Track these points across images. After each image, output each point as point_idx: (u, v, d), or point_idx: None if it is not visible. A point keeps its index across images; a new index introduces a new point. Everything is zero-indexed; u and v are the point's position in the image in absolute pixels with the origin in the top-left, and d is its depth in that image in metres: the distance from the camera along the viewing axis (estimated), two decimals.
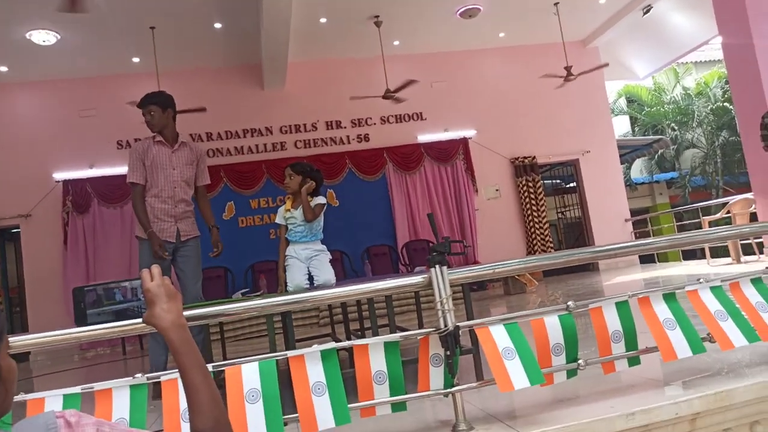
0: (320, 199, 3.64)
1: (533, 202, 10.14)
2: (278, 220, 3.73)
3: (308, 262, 3.58)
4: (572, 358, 2.14)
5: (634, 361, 2.21)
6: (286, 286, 3.53)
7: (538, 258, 2.26)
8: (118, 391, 1.72)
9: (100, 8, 6.99)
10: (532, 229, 10.06)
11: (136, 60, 8.67)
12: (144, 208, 3.72)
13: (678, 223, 10.95)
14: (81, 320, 0.88)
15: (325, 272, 3.53)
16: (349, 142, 9.75)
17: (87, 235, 8.65)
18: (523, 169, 10.21)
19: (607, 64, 9.46)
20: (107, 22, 7.41)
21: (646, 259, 10.58)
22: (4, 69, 8.37)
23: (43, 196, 8.67)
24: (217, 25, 8.04)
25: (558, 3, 8.87)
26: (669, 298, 2.20)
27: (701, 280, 2.32)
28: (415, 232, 9.60)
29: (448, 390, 2.03)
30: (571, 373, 2.15)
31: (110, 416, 1.70)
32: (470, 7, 8.58)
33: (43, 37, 7.51)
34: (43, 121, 8.87)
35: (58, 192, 8.72)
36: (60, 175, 8.75)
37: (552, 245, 10.21)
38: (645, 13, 9.44)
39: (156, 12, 7.38)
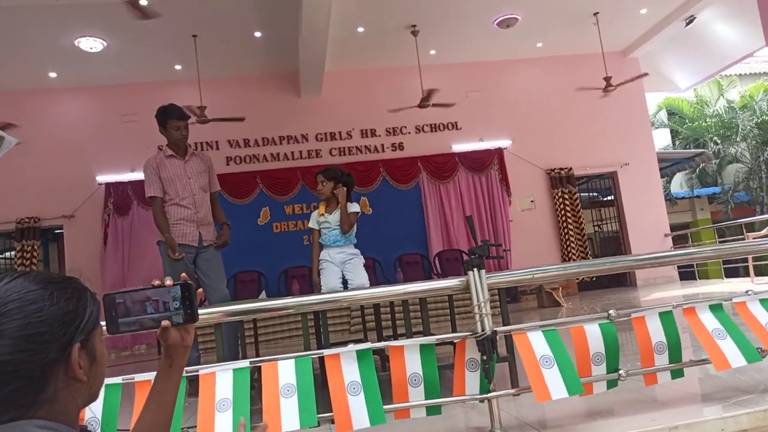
0: (354, 207, 3.66)
1: (569, 214, 9.97)
2: (311, 224, 3.77)
3: (342, 266, 3.59)
4: (613, 368, 2.08)
5: (677, 374, 2.14)
6: (320, 289, 3.55)
7: (579, 264, 2.21)
8: None
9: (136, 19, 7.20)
10: (568, 242, 9.88)
11: (178, 67, 8.89)
12: (163, 217, 3.89)
13: (720, 240, 10.62)
14: (113, 328, 0.90)
15: (359, 276, 3.55)
16: (383, 151, 9.78)
17: (125, 236, 8.88)
18: (559, 180, 10.06)
19: (646, 74, 9.27)
20: (152, 30, 7.61)
21: (686, 276, 10.28)
22: (53, 75, 8.68)
23: (86, 197, 8.93)
24: (257, 34, 8.19)
25: (598, 13, 8.75)
26: (716, 309, 2.12)
27: (749, 292, 2.23)
28: (448, 242, 9.54)
29: (485, 395, 1.99)
30: (611, 384, 2.09)
31: None
32: (508, 16, 8.54)
33: (90, 44, 7.78)
34: (88, 125, 9.16)
35: (101, 194, 8.98)
36: (102, 178, 9.01)
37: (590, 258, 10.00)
38: (688, 24, 9.23)
39: (199, 21, 7.56)
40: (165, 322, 1.03)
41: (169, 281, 1.05)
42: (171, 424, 1.09)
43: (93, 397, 0.87)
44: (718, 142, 15.49)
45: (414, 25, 8.53)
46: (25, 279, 0.81)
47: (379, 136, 9.81)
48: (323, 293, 3.36)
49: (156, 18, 5.46)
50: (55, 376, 0.79)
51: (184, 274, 1.08)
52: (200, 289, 1.08)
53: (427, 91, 8.38)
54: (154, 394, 1.08)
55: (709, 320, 2.09)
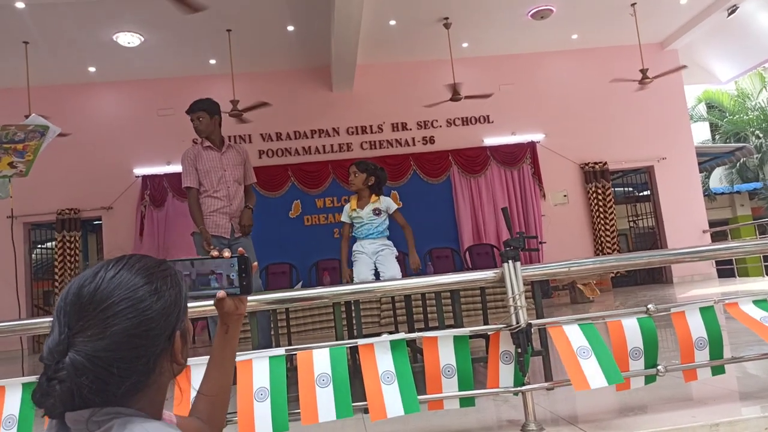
0: (391, 204, 3.71)
1: (602, 209, 9.80)
2: (344, 218, 3.80)
3: (375, 257, 3.61)
4: (651, 363, 2.04)
5: (718, 370, 2.09)
6: (352, 280, 3.57)
7: (617, 258, 2.17)
8: (196, 369, 1.78)
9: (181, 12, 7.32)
10: (602, 238, 9.72)
11: (212, 62, 9.02)
12: (198, 209, 3.95)
13: (761, 236, 10.29)
14: None
15: (391, 268, 3.56)
16: (414, 144, 9.76)
17: (160, 227, 9.08)
18: (593, 175, 9.89)
19: (684, 66, 9.02)
20: (187, 25, 7.73)
21: (725, 274, 10.01)
22: (92, 69, 8.90)
23: (123, 189, 9.16)
24: (290, 28, 8.25)
25: (635, 4, 8.55)
26: (761, 303, 2.06)
27: None
28: (479, 236, 9.48)
29: (519, 388, 1.98)
30: (649, 379, 2.05)
31: (188, 393, 1.77)
32: (542, 8, 8.41)
33: (128, 39, 7.95)
34: (126, 118, 9.37)
35: (137, 186, 9.19)
36: (139, 171, 9.23)
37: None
38: (730, 14, 8.93)
39: (233, 15, 7.65)
40: (220, 293, 1.07)
41: (227, 253, 1.08)
42: (231, 388, 1.15)
43: (182, 370, 0.92)
44: (760, 135, 15.02)
45: (446, 18, 8.47)
46: (130, 271, 0.83)
47: (410, 129, 9.80)
48: (356, 283, 3.38)
49: (202, 11, 5.55)
50: (161, 364, 0.84)
51: (240, 249, 1.11)
52: (255, 263, 1.12)
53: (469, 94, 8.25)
54: (213, 362, 1.14)
55: (754, 311, 2.02)
